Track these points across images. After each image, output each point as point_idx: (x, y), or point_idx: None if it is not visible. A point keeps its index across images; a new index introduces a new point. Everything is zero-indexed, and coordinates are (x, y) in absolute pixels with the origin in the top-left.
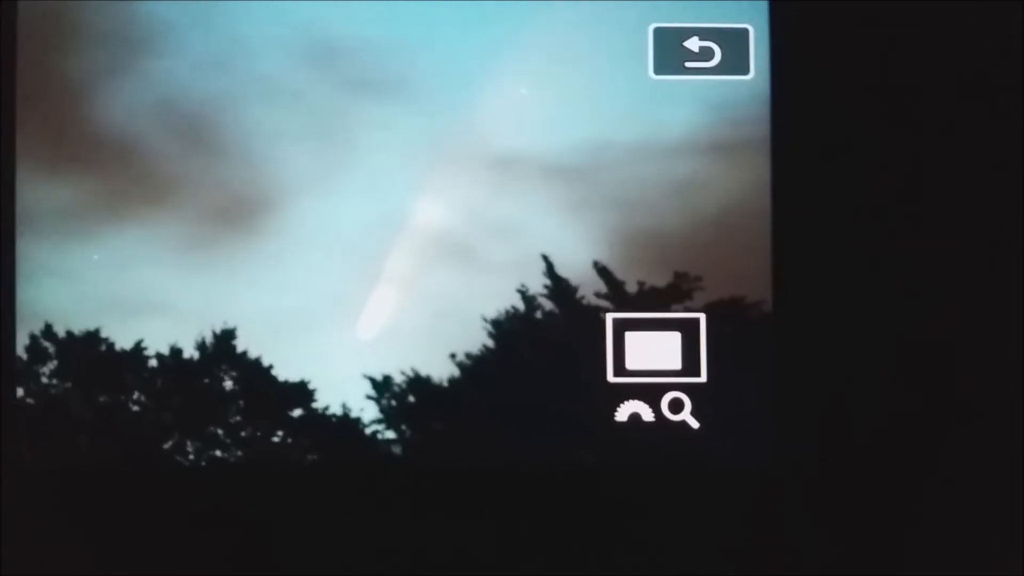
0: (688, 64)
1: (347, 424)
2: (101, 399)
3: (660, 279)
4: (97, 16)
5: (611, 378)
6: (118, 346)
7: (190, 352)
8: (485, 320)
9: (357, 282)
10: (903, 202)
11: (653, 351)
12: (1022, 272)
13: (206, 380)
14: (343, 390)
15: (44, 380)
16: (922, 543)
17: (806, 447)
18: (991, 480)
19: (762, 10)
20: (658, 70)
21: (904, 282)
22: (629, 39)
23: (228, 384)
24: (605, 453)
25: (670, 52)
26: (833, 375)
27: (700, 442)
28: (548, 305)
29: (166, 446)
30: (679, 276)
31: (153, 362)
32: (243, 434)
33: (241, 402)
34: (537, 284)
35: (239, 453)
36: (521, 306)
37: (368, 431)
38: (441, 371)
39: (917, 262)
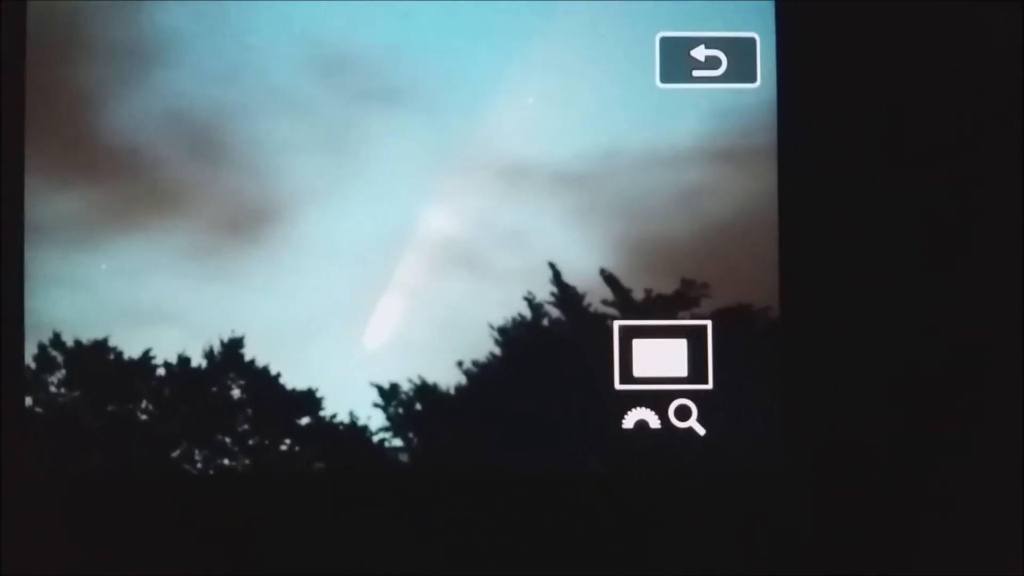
0: (695, 73)
1: (354, 432)
2: (109, 408)
3: (667, 286)
4: (106, 26)
5: (618, 385)
6: (126, 355)
7: (198, 361)
8: (492, 328)
9: (364, 291)
10: (911, 209)
11: (660, 358)
12: None
13: (214, 389)
14: (350, 398)
15: (52, 389)
16: (927, 548)
17: (812, 454)
18: (995, 485)
19: (768, 19)
20: (665, 79)
21: (912, 289)
22: (636, 48)
23: (236, 393)
24: (612, 460)
25: (677, 61)
26: (840, 382)
27: (706, 449)
28: (555, 313)
29: (174, 454)
30: (686, 283)
31: (161, 371)
32: (251, 442)
33: (249, 410)
34: (544, 292)
35: (247, 461)
36: (528, 314)
37: (375, 439)
38: (448, 379)
39: (925, 270)
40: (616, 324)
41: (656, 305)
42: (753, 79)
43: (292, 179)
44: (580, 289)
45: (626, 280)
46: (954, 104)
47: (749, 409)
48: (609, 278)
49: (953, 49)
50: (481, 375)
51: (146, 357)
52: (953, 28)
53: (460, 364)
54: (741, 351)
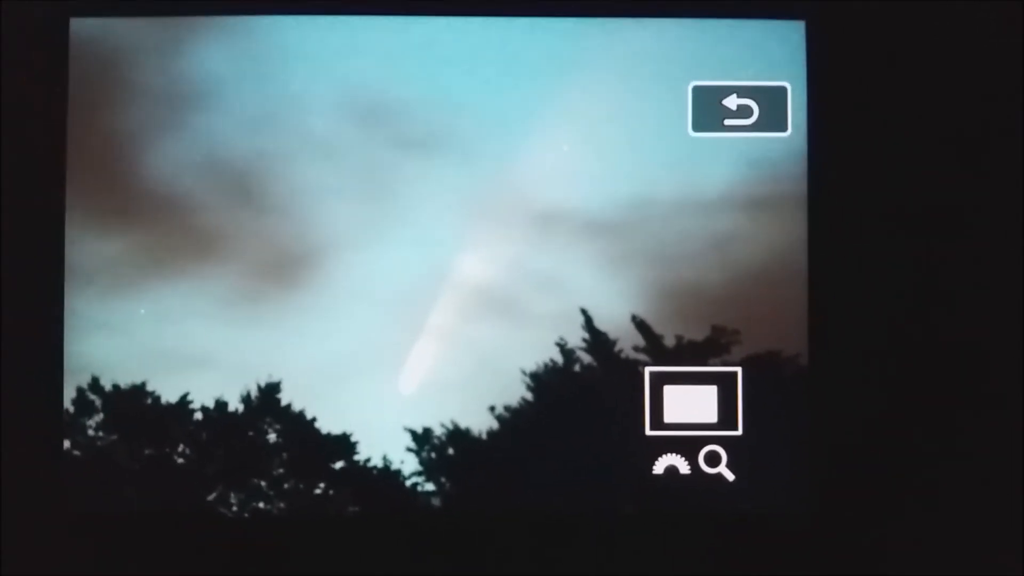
0: (727, 122)
1: (388, 476)
2: (147, 451)
3: (698, 333)
4: (146, 73)
5: (648, 431)
6: (164, 399)
7: (235, 405)
8: (524, 373)
9: (399, 335)
10: (940, 258)
11: (690, 404)
12: None
13: (250, 433)
14: (384, 443)
15: (91, 432)
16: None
17: (841, 500)
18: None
19: (800, 68)
20: (697, 127)
21: (940, 337)
22: (669, 97)
23: (272, 437)
24: (642, 505)
25: (709, 110)
26: (868, 428)
27: (736, 495)
28: (587, 358)
29: (210, 497)
30: (717, 330)
31: (198, 415)
32: (286, 486)
33: (284, 455)
34: (576, 338)
35: (282, 505)
36: (560, 359)
37: (408, 483)
38: (480, 424)
39: (954, 317)
40: (647, 370)
41: (687, 352)
42: (784, 128)
43: (328, 225)
44: (612, 335)
45: (657, 326)
46: (989, 152)
47: (778, 455)
48: (640, 324)
49: (985, 97)
50: (513, 420)
51: (184, 401)
52: (988, 76)
53: (492, 409)
54: (770, 398)
